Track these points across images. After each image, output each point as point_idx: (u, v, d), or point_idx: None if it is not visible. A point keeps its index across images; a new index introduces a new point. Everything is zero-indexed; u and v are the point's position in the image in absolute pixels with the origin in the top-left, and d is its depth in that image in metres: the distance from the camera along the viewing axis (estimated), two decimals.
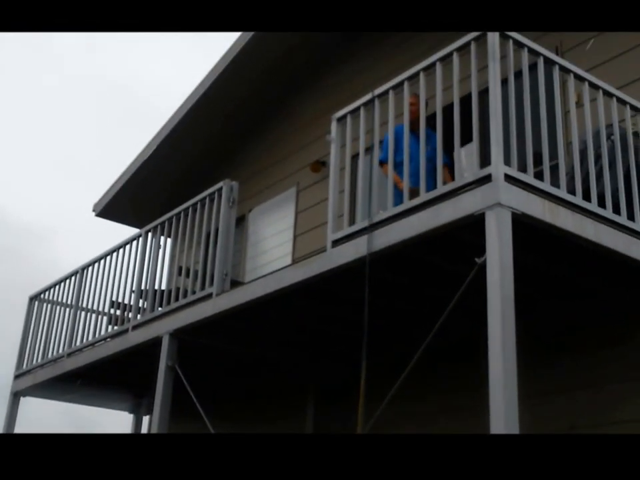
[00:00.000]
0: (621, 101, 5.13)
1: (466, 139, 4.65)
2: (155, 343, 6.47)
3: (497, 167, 4.17)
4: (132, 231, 10.27)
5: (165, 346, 6.33)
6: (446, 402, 6.28)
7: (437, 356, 5.05)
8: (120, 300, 7.34)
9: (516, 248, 4.01)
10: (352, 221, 5.18)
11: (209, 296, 6.18)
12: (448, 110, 4.61)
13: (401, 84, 5.02)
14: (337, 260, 5.00)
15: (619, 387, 5.26)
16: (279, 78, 9.81)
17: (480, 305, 3.98)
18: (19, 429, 8.35)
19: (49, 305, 8.55)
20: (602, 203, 4.66)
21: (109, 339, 7.34)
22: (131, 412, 9.86)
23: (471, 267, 4.11)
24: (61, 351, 7.97)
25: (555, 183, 4.46)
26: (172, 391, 6.26)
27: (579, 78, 4.91)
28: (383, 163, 5.81)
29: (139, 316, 7.06)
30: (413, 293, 5.57)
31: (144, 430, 9.69)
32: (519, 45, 4.59)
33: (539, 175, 4.40)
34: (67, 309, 8.16)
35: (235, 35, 9.44)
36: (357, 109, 5.28)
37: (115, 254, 7.55)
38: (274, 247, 9.38)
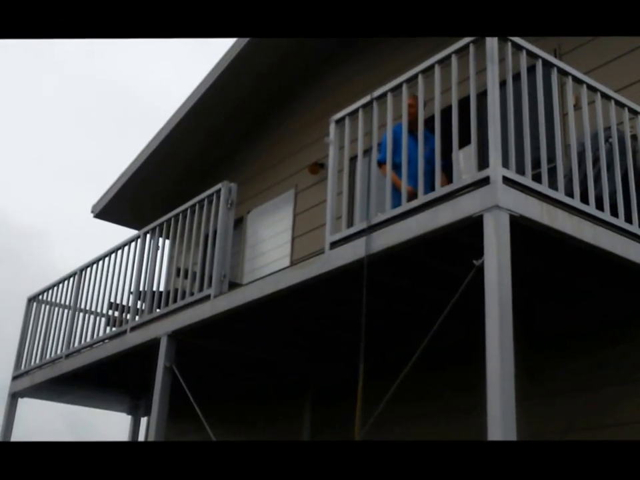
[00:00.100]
0: (619, 104, 5.14)
1: (464, 141, 4.65)
2: (153, 344, 6.47)
3: (495, 170, 4.17)
4: (130, 233, 10.27)
5: (163, 347, 6.33)
6: (444, 403, 6.28)
7: (435, 357, 5.05)
8: (118, 301, 7.35)
9: (514, 250, 4.02)
10: (350, 223, 5.19)
11: (207, 297, 6.18)
12: (446, 112, 4.62)
13: (399, 86, 5.02)
14: (335, 262, 5.01)
15: (617, 389, 5.27)
16: (277, 80, 9.82)
17: (478, 307, 3.98)
18: (17, 430, 8.35)
19: (47, 306, 8.55)
20: (600, 206, 4.67)
21: (107, 340, 7.34)
22: (128, 413, 9.84)
23: (469, 269, 4.12)
24: (59, 352, 7.96)
25: (553, 185, 4.47)
26: (170, 392, 6.26)
27: (577, 80, 4.92)
28: (381, 163, 5.82)
29: (137, 317, 7.06)
30: (411, 295, 5.58)
31: (142, 431, 9.68)
32: (517, 48, 4.60)
33: (537, 178, 4.40)
34: (65, 310, 8.16)
35: (234, 38, 9.45)
36: (356, 111, 5.28)
37: (113, 255, 7.55)
38: (272, 249, 9.38)
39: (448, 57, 4.69)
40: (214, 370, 7.71)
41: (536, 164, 4.48)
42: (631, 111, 5.23)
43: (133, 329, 6.93)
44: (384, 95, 5.11)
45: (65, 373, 7.77)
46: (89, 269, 7.91)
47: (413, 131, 5.18)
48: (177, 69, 44.05)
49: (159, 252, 7.02)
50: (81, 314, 7.88)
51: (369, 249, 4.71)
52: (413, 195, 4.76)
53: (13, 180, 37.95)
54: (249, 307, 5.76)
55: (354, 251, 4.84)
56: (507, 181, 4.19)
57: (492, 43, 4.41)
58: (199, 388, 6.38)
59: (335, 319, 6.10)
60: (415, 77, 4.91)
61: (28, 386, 8.34)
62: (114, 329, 7.35)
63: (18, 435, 8.35)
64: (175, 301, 6.60)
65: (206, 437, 6.11)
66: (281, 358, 7.24)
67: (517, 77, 4.51)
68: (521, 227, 4.17)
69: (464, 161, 5.50)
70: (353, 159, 5.78)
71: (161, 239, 7.10)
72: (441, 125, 4.68)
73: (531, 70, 4.62)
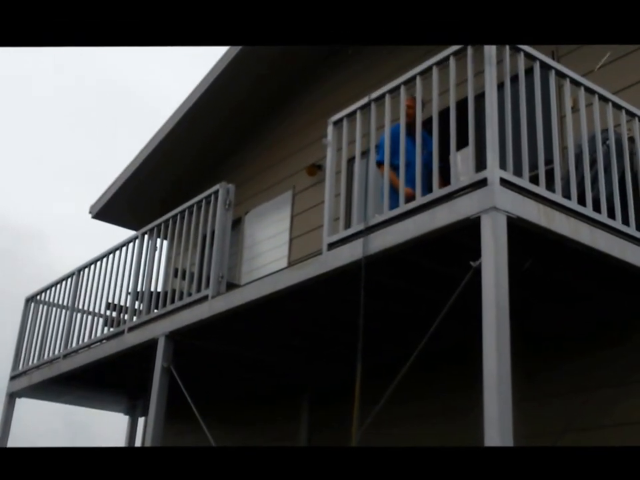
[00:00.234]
0: (617, 106, 5.15)
1: (462, 143, 4.66)
2: (151, 344, 6.47)
3: (493, 171, 4.18)
4: (128, 233, 10.27)
5: (161, 348, 6.34)
6: (441, 404, 6.29)
7: (432, 358, 5.06)
8: (116, 302, 7.35)
9: (511, 252, 4.03)
10: (348, 224, 5.20)
11: (205, 298, 6.19)
12: (444, 114, 4.63)
13: (397, 88, 5.03)
14: (333, 263, 5.01)
15: (614, 390, 5.27)
16: (276, 81, 9.82)
17: (475, 308, 3.99)
18: (15, 430, 8.35)
19: (45, 307, 8.55)
20: (597, 208, 4.68)
21: (104, 341, 7.34)
22: (126, 414, 9.83)
23: (467, 271, 4.12)
24: (56, 352, 7.97)
25: (550, 187, 4.48)
26: (167, 392, 6.26)
27: (575, 83, 4.93)
28: (380, 163, 5.82)
29: (134, 318, 7.06)
30: (409, 296, 5.58)
31: (139, 431, 9.68)
32: (515, 50, 4.61)
33: (534, 179, 4.41)
34: (63, 311, 8.16)
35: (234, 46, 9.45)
36: (353, 113, 5.29)
37: (111, 256, 7.55)
38: (270, 250, 9.38)
39: (446, 59, 4.70)
40: (211, 370, 7.71)
41: (533, 166, 4.49)
42: (629, 113, 5.24)
43: (131, 329, 6.93)
44: (382, 97, 5.12)
45: (62, 373, 7.77)
46: (86, 270, 7.92)
47: (410, 133, 5.19)
48: (176, 69, 44.08)
49: (157, 253, 7.03)
50: (79, 314, 7.88)
51: (367, 250, 4.71)
52: (411, 197, 4.76)
53: (11, 180, 37.95)
54: (247, 307, 5.76)
55: (351, 252, 4.85)
56: (504, 182, 4.20)
57: (490, 45, 4.42)
58: (197, 388, 6.39)
59: (332, 320, 6.11)
60: (413, 78, 4.92)
61: (26, 386, 8.34)
62: (112, 329, 7.35)
63: (16, 435, 8.37)
64: (172, 301, 6.60)
65: (203, 438, 6.12)
66: (279, 359, 7.25)
67: (514, 79, 4.52)
68: (518, 229, 4.18)
69: (462, 162, 5.50)
70: (351, 161, 5.78)
71: (158, 240, 7.10)
72: (438, 126, 4.69)
73: (529, 72, 4.63)
